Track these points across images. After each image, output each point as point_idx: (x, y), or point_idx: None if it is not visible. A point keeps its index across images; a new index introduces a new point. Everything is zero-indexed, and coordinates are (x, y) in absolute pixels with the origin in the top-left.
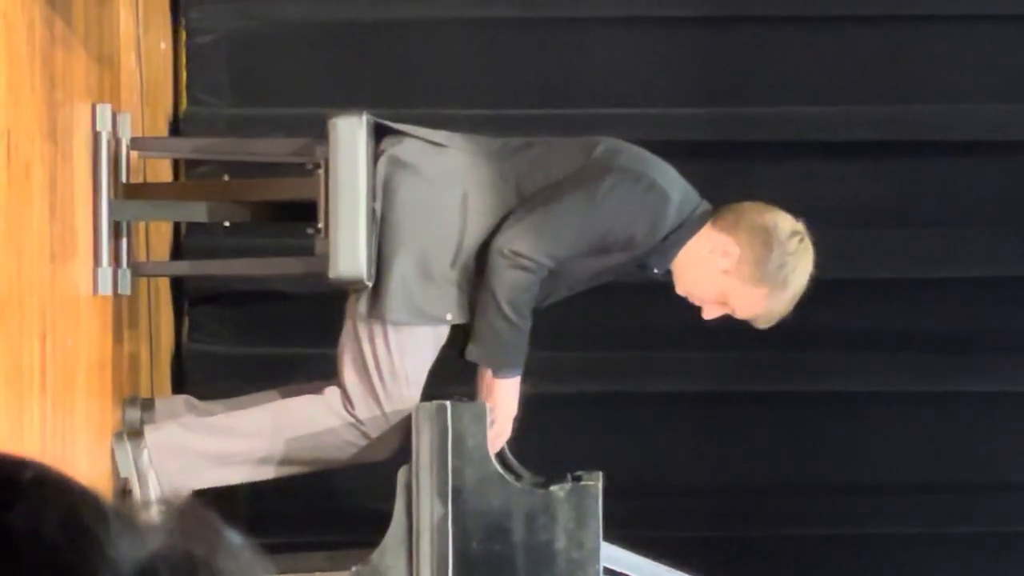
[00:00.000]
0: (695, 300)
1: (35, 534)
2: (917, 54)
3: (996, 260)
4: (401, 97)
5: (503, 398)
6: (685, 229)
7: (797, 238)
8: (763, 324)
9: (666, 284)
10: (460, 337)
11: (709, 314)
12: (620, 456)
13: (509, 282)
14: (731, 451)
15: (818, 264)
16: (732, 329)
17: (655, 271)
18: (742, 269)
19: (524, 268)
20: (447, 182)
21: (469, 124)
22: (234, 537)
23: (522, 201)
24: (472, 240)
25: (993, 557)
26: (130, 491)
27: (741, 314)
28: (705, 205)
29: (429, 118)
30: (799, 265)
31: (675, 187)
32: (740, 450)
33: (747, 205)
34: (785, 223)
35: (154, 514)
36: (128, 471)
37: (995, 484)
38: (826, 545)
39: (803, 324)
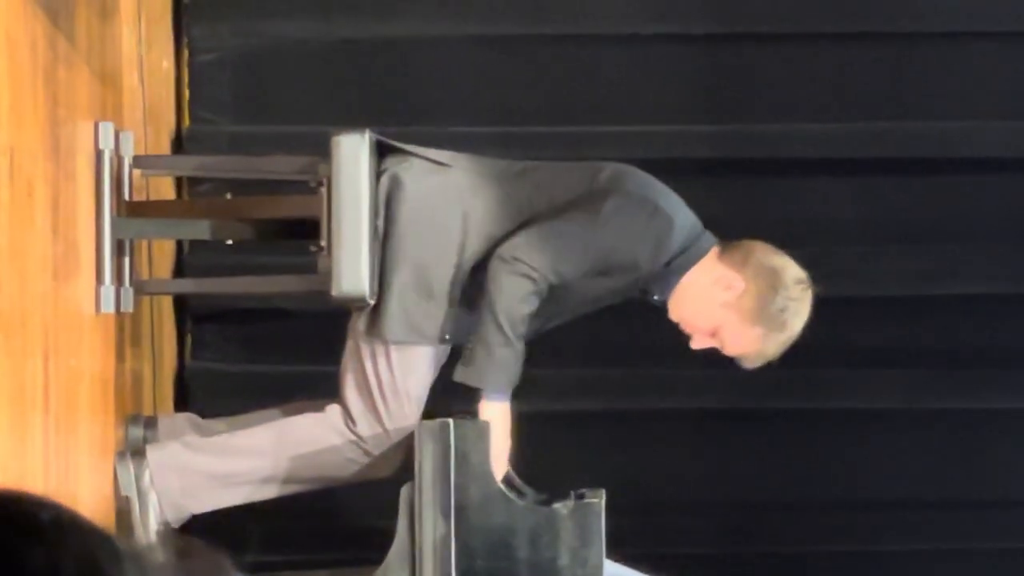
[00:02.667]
0: (686, 328)
1: None
2: (919, 72)
3: (997, 277)
4: (404, 115)
5: (492, 423)
6: (689, 257)
7: (802, 286)
8: (750, 364)
9: (663, 307)
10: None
11: (697, 344)
12: (623, 473)
13: (508, 289)
14: (734, 468)
15: (820, 281)
16: None
17: (655, 298)
18: (743, 305)
19: (524, 275)
20: (448, 201)
21: (473, 142)
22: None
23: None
24: (472, 260)
25: (996, 573)
26: (130, 510)
27: (730, 350)
28: (710, 236)
29: (432, 136)
30: (799, 311)
31: (679, 214)
32: (743, 467)
33: (757, 244)
34: (792, 269)
35: (162, 553)
36: (129, 490)
37: (998, 500)
38: (829, 562)
39: (805, 341)
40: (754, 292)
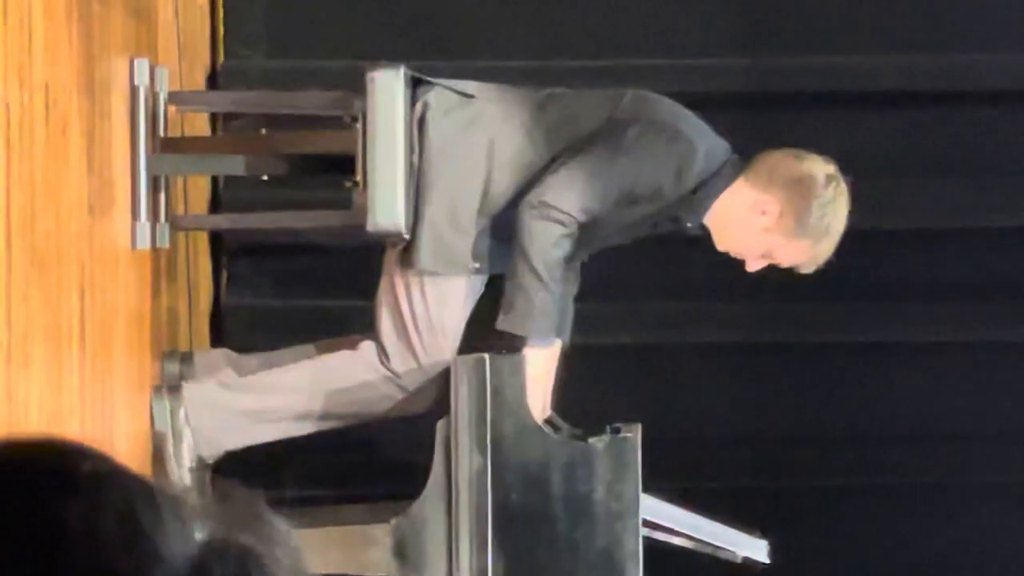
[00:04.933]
0: (737, 256)
1: (91, 534)
2: (952, 3)
3: None
4: (437, 49)
5: (534, 368)
6: (716, 181)
7: (833, 184)
8: (808, 269)
9: (701, 236)
10: (498, 291)
11: (753, 267)
12: (658, 407)
13: (539, 235)
14: (768, 402)
15: (852, 214)
16: (768, 280)
17: (688, 225)
18: (784, 225)
19: (554, 220)
20: (473, 130)
21: (505, 76)
22: (280, 523)
23: (550, 154)
24: (498, 189)
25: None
26: (165, 446)
27: (786, 264)
28: (737, 159)
29: (464, 70)
30: (838, 211)
31: (703, 137)
32: (776, 401)
33: (777, 156)
34: (819, 170)
35: (199, 497)
36: (164, 426)
37: None
38: (862, 495)
39: (837, 275)
40: (790, 210)
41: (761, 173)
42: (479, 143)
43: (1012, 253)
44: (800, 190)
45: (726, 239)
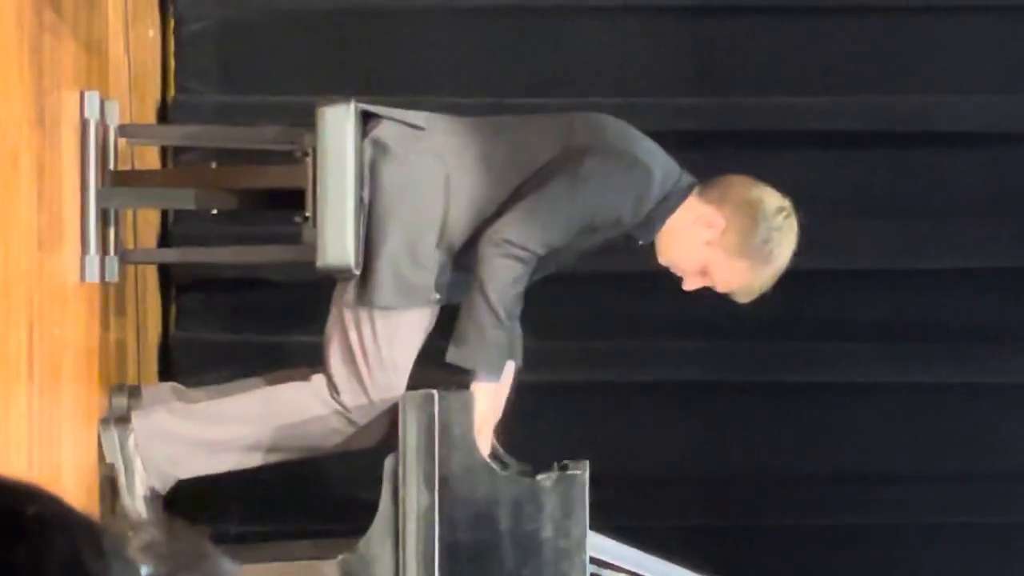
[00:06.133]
0: (676, 271)
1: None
2: (906, 44)
3: (983, 251)
4: (390, 85)
5: (482, 403)
6: (669, 202)
7: (783, 214)
8: (743, 298)
9: (654, 273)
10: (448, 324)
11: (689, 285)
12: (607, 445)
13: (500, 273)
14: (718, 441)
15: (807, 254)
16: (721, 319)
17: (640, 242)
18: (726, 241)
19: (515, 257)
20: (427, 164)
21: (458, 113)
22: (225, 562)
23: (508, 186)
24: (456, 223)
25: (985, 547)
26: (116, 477)
27: (722, 287)
28: (688, 177)
29: (419, 106)
30: (784, 241)
31: (657, 160)
32: (728, 440)
33: (734, 179)
34: (772, 198)
35: (146, 539)
36: (114, 457)
37: (985, 474)
38: (814, 535)
39: (791, 314)
40: (736, 227)
41: (715, 191)
42: (436, 177)
43: (965, 295)
44: (749, 211)
45: (668, 252)
